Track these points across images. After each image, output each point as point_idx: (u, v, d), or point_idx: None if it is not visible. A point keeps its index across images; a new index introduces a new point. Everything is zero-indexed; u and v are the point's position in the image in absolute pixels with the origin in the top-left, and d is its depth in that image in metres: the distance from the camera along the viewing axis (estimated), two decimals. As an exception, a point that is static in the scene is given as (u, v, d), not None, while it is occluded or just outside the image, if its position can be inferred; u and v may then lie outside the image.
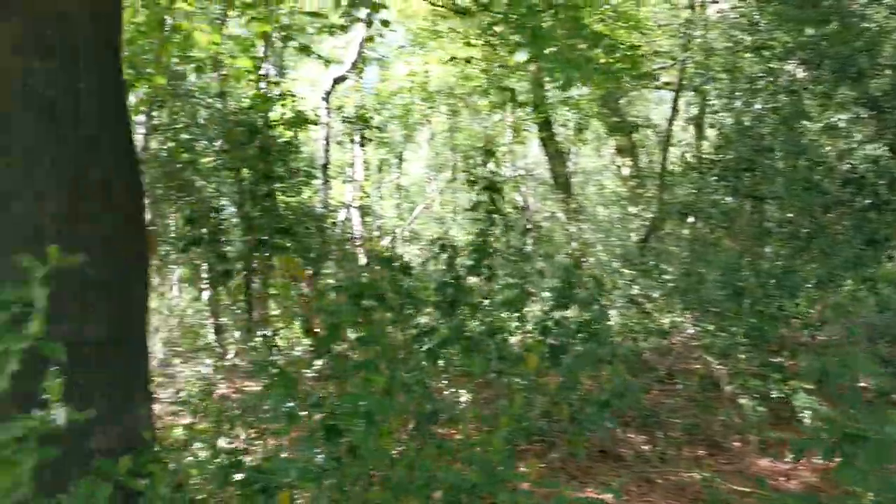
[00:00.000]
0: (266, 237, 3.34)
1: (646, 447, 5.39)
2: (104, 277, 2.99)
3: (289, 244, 3.27)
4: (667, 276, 6.83)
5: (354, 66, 11.14)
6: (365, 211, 12.58)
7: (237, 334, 10.17)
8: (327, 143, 10.88)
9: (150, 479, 2.32)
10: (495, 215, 3.99)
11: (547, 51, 3.65)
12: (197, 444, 3.43)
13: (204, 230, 3.87)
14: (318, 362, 7.18)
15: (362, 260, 11.93)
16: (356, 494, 2.48)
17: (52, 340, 1.92)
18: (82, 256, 2.11)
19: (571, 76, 3.50)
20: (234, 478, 2.41)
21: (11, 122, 2.80)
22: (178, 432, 4.08)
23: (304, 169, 9.49)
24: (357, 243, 11.51)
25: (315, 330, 9.18)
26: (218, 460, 2.46)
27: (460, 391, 5.69)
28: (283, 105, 7.31)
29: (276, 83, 7.39)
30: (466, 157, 17.62)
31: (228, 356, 9.76)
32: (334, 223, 11.13)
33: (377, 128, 10.88)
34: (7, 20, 2.78)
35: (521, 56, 3.73)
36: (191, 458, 2.91)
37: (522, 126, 16.04)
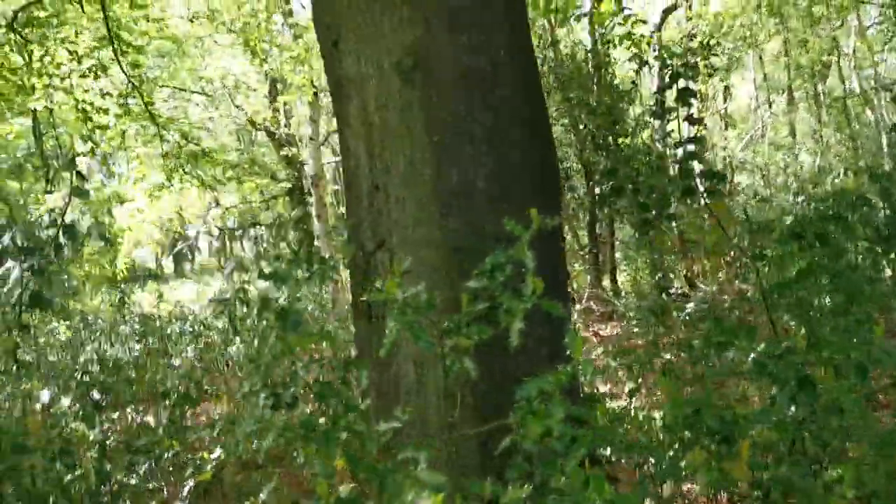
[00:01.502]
0: (692, 184, 3.25)
1: None
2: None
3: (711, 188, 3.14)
4: None
5: (686, -8, 10.50)
6: (700, 144, 11.91)
7: (588, 279, 10.39)
8: (661, 80, 10.43)
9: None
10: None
11: None
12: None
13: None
14: (690, 305, 7.02)
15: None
16: (834, 450, 2.33)
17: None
18: (557, 219, 2.21)
19: None
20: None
21: (442, 93, 3.03)
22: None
23: (644, 108, 9.24)
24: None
25: (695, 273, 9.00)
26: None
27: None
28: (633, 43, 7.13)
29: (640, 21, 7.23)
30: (812, 75, 15.77)
31: (582, 301, 10.02)
32: (674, 161, 10.73)
33: (710, 56, 10.17)
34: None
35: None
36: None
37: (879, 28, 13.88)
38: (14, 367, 2.49)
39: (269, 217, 17.76)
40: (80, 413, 2.47)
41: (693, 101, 3.42)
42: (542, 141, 3.27)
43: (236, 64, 13.24)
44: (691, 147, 3.38)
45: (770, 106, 22.11)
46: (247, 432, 1.52)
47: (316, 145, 11.74)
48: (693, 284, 9.09)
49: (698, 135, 11.86)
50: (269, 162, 15.56)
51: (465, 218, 3.02)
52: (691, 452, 2.46)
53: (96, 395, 2.58)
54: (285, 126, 15.28)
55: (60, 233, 2.49)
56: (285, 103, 14.72)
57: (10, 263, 2.13)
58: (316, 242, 17.92)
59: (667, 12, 10.77)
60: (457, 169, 3.06)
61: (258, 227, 18.58)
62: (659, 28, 10.58)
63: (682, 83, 3.40)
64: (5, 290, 2.14)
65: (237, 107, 14.67)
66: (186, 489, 2.94)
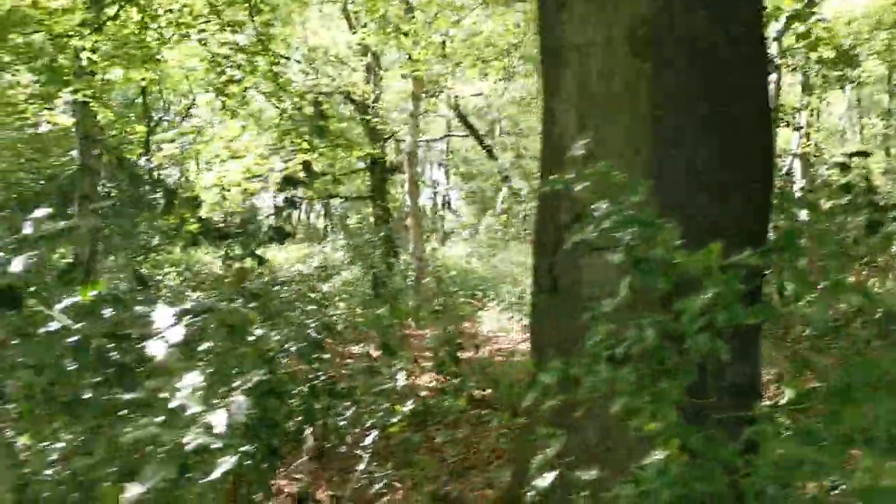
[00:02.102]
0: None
1: None
2: (737, 221, 3.03)
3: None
4: None
5: (812, -1, 10.13)
6: (808, 159, 11.60)
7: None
8: (778, 87, 10.16)
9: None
10: None
11: None
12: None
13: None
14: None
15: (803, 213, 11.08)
16: None
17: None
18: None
19: None
20: None
21: (673, 68, 2.93)
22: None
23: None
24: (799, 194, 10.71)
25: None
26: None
27: None
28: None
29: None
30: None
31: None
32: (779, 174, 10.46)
33: (847, 67, 9.82)
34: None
35: None
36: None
37: None
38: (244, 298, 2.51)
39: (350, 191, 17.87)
40: (298, 350, 2.48)
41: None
42: (764, 123, 3.15)
43: (340, 35, 13.29)
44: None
45: (862, 130, 21.42)
46: (604, 378, 1.48)
47: (415, 122, 11.75)
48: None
49: (804, 148, 11.51)
50: (355, 136, 15.63)
51: (681, 200, 2.92)
52: None
53: (314, 333, 2.60)
54: (374, 101, 15.32)
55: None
56: (381, 78, 14.77)
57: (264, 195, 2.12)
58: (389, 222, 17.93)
59: (792, 19, 10.41)
60: (677, 148, 2.95)
61: (334, 199, 18.68)
62: (782, 34, 10.26)
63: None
64: (259, 219, 2.13)
65: (331, 77, 14.74)
66: (370, 438, 2.93)
